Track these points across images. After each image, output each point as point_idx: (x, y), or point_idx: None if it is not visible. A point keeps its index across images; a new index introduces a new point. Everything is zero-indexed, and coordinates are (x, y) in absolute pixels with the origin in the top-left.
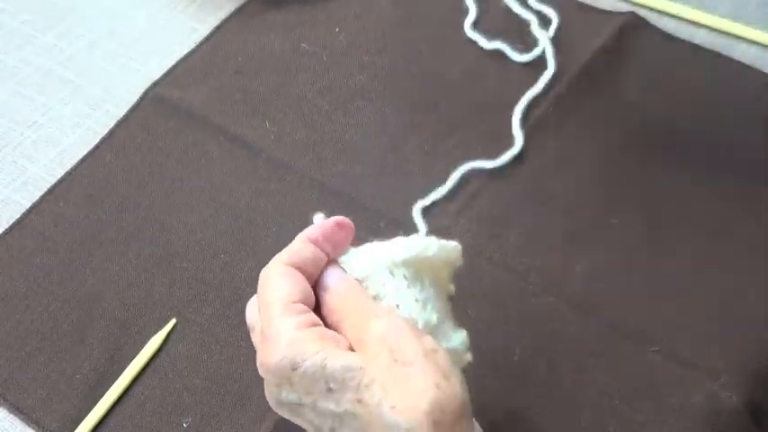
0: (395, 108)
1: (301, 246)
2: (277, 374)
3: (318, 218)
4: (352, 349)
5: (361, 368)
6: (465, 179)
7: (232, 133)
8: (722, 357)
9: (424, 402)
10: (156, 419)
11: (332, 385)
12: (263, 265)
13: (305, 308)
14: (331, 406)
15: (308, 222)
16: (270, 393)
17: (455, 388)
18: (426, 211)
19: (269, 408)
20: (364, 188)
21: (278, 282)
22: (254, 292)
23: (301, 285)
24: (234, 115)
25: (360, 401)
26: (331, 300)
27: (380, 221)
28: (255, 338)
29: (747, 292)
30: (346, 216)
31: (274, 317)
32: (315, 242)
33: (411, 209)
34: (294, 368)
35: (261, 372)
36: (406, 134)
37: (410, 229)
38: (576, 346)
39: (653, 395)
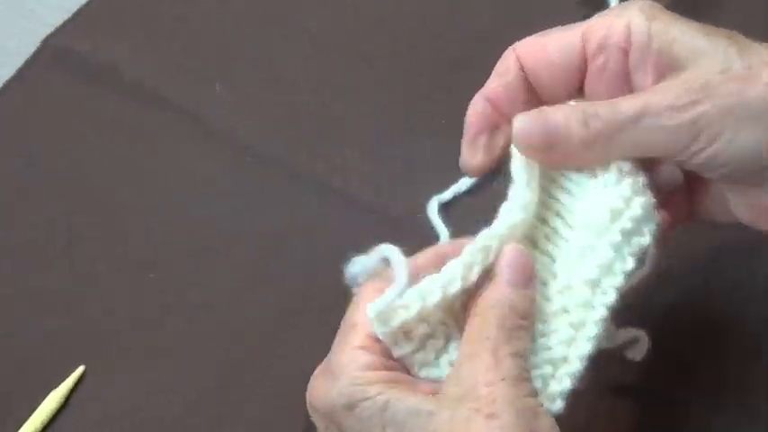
0: (404, 70)
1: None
2: (327, 413)
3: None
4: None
5: (429, 413)
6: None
7: (166, 99)
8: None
9: None
10: None
11: (388, 430)
12: (219, 291)
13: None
14: None
15: (289, 226)
16: None
17: None
18: (446, 210)
19: None
20: (357, 179)
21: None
22: (205, 328)
23: None
24: (171, 76)
25: None
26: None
27: (382, 223)
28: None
29: None
30: (339, 217)
31: (346, 348)
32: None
33: (425, 206)
34: (350, 408)
35: (309, 408)
36: (417, 106)
37: (422, 232)
38: None
39: None
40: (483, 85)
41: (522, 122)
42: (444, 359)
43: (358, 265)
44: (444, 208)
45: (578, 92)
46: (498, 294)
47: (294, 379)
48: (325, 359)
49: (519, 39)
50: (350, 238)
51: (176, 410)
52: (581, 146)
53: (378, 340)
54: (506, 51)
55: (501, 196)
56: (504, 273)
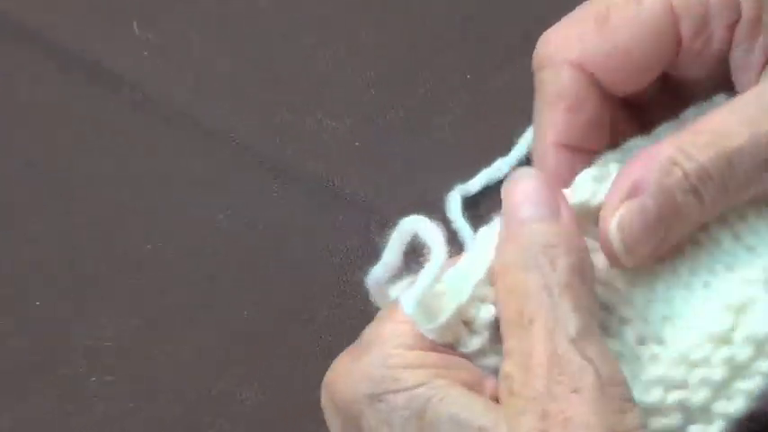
0: (404, 69)
1: None
2: (345, 407)
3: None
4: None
5: (479, 430)
6: None
7: (165, 100)
8: None
9: None
10: None
11: None
12: (219, 291)
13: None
14: None
15: (288, 226)
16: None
17: None
18: (472, 206)
19: None
20: (357, 179)
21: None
22: (206, 328)
23: None
24: (167, 76)
25: None
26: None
27: (382, 223)
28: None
29: None
30: (339, 217)
31: (388, 321)
32: None
33: (444, 200)
34: (373, 400)
35: (324, 401)
36: (417, 106)
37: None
38: None
39: None
40: (483, 88)
41: (622, 229)
42: None
43: (380, 268)
44: (469, 204)
45: (666, 70)
46: (520, 241)
47: (294, 379)
48: (357, 340)
49: (521, 36)
50: (350, 239)
51: (176, 410)
52: (697, 223)
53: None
54: (543, 65)
55: None
56: (516, 210)
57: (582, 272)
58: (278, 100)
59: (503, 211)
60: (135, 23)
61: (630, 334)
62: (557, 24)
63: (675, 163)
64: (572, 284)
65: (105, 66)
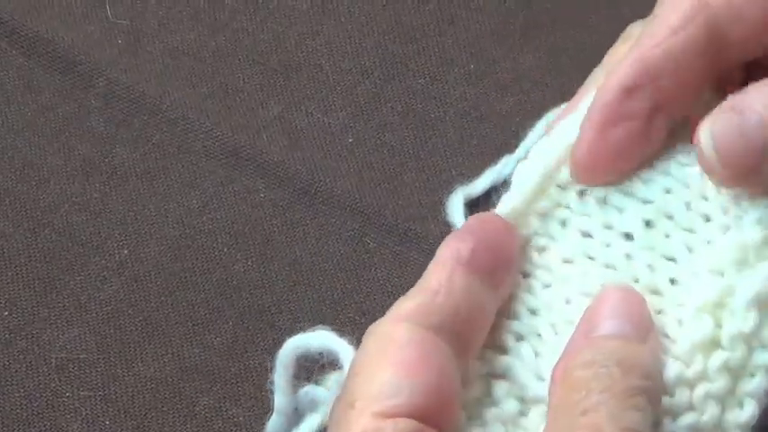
0: (403, 69)
1: (444, 281)
2: None
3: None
4: None
5: None
6: None
7: (161, 104)
8: None
9: None
10: None
11: None
12: (218, 293)
13: (418, 427)
14: None
15: (285, 229)
16: None
17: None
18: (476, 209)
19: None
20: (356, 181)
21: (377, 365)
22: (206, 328)
23: (429, 373)
24: (162, 80)
25: None
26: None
27: (379, 227)
28: None
29: None
30: (336, 219)
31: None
32: (474, 269)
33: (443, 204)
34: None
35: None
36: (416, 107)
37: (425, 235)
38: None
39: None
40: (488, 78)
41: (718, 131)
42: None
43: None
44: (472, 206)
45: None
46: (595, 349)
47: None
48: None
49: (528, 24)
50: (342, 244)
51: (158, 429)
52: None
53: (400, 413)
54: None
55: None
56: (605, 324)
57: (649, 377)
58: (264, 91)
59: (589, 318)
60: (108, 8)
61: None
62: None
63: None
64: (636, 392)
65: (76, 54)
